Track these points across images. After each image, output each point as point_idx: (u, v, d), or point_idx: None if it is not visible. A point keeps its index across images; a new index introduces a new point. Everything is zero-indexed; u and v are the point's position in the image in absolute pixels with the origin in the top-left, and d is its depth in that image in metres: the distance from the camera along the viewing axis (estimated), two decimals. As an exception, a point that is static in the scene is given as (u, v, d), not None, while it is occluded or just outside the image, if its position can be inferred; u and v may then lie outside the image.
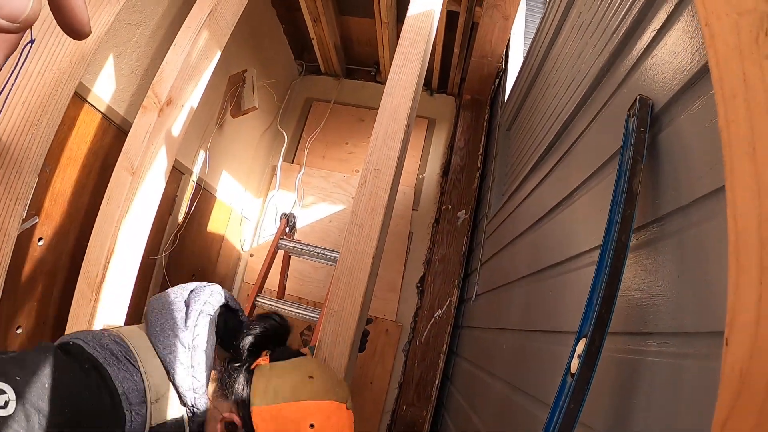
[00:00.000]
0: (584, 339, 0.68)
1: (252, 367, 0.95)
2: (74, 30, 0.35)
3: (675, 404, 0.61)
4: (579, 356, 0.67)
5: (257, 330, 1.01)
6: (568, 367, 0.70)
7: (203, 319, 0.96)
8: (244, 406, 0.89)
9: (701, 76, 0.70)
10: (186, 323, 0.94)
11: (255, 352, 1.00)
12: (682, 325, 0.63)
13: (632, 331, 0.76)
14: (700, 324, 0.59)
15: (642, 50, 0.94)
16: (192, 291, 1.02)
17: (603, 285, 0.69)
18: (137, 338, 0.90)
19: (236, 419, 0.89)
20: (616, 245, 0.71)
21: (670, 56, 0.80)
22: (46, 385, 0.66)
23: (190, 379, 0.90)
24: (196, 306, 0.97)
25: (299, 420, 0.87)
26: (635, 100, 0.84)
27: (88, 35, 0.36)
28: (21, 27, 0.32)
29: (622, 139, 0.83)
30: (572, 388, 0.65)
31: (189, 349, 0.92)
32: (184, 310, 0.97)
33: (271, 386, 0.91)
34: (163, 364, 0.89)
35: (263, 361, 0.96)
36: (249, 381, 0.92)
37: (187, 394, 0.89)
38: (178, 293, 1.01)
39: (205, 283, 1.06)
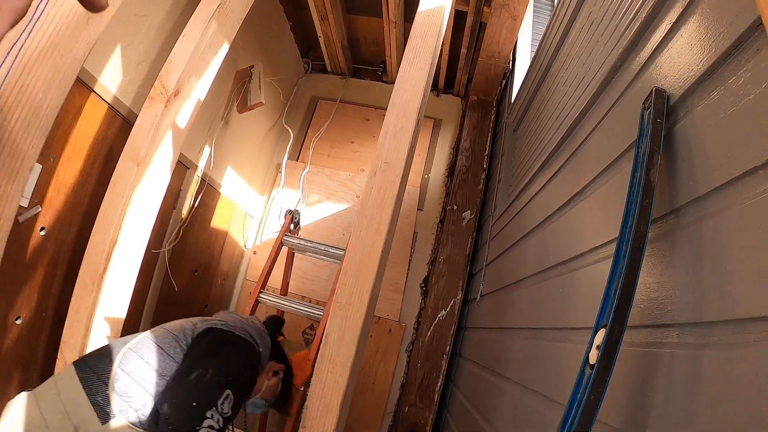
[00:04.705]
0: (603, 329, 0.67)
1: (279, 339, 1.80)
2: (91, 2, 0.34)
3: (695, 396, 0.60)
4: (598, 347, 0.66)
5: (277, 325, 1.91)
6: (586, 359, 0.69)
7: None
8: (281, 359, 1.70)
9: (718, 66, 0.69)
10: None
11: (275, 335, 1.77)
12: (700, 315, 0.61)
13: (649, 323, 0.75)
14: (720, 313, 0.58)
15: (657, 44, 0.93)
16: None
17: (622, 275, 0.68)
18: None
19: (278, 366, 1.66)
20: (635, 235, 0.70)
21: (686, 48, 0.80)
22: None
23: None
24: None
25: (305, 357, 1.92)
26: (651, 92, 0.83)
27: (105, 7, 0.35)
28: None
29: (638, 131, 0.82)
30: (592, 380, 0.64)
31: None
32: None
33: (289, 348, 1.83)
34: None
35: (281, 339, 1.87)
36: (280, 349, 1.73)
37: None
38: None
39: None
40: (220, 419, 1.22)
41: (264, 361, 1.54)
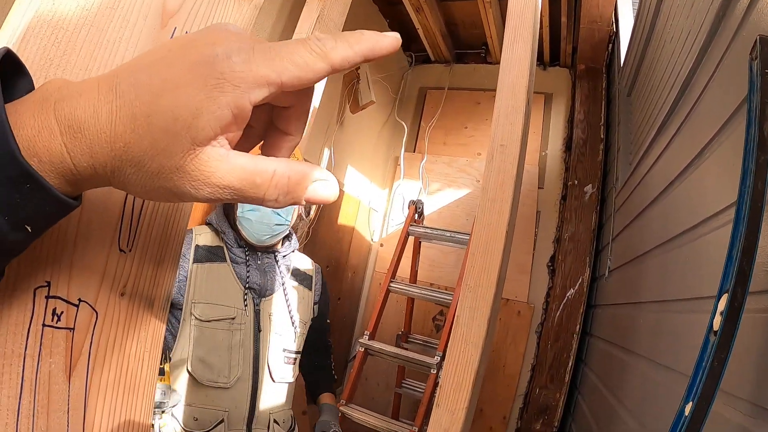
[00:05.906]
0: (726, 294, 0.66)
1: None
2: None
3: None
4: (721, 312, 0.65)
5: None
6: (710, 325, 0.68)
7: None
8: None
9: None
10: None
11: None
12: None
13: (771, 286, 0.71)
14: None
15: (756, -13, 0.87)
16: None
17: (742, 236, 0.66)
18: None
19: None
20: (753, 194, 0.67)
21: (789, -12, 0.75)
22: None
23: None
24: None
25: None
26: (755, 41, 0.78)
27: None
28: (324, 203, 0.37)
29: (748, 84, 0.78)
30: (715, 346, 0.63)
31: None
32: None
33: None
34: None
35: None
36: None
37: None
38: None
39: None
40: None
41: None
